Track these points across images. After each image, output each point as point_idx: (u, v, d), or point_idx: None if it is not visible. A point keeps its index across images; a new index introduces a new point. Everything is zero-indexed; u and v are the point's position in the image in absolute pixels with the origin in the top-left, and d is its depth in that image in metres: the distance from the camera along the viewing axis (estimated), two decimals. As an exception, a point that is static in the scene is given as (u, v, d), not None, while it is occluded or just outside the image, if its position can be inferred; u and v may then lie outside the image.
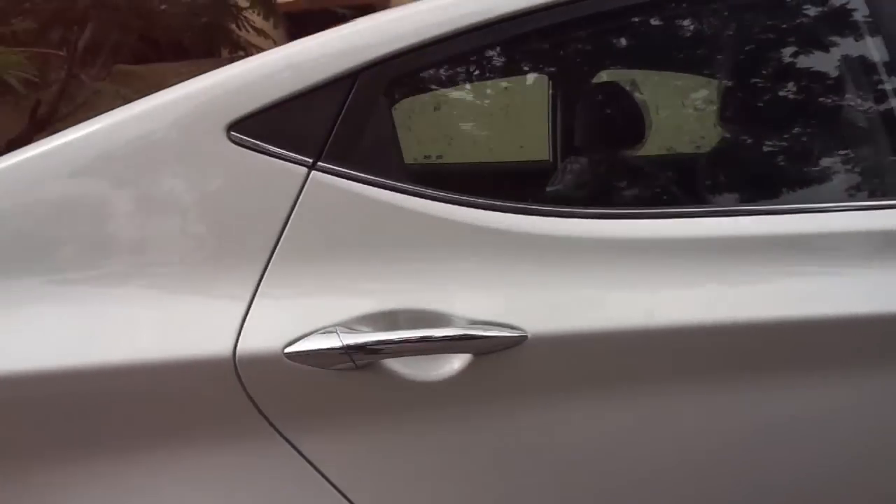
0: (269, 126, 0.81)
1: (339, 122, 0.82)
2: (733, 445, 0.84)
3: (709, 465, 0.84)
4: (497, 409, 0.80)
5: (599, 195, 1.08)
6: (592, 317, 0.79)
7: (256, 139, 0.80)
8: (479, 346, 0.77)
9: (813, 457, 0.85)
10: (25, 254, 0.77)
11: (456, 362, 0.77)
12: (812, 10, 0.99)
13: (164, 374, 0.74)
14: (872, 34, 0.95)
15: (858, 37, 0.98)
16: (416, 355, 0.77)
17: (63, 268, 0.77)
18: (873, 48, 0.95)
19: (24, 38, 3.36)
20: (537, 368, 0.79)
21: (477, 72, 0.97)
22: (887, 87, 0.95)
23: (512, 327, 0.77)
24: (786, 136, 1.05)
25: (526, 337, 0.77)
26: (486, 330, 0.77)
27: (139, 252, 0.78)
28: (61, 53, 3.47)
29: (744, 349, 0.82)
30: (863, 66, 0.98)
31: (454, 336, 0.77)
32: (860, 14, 0.96)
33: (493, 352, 0.77)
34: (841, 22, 0.98)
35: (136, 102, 0.82)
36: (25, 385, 0.74)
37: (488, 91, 0.98)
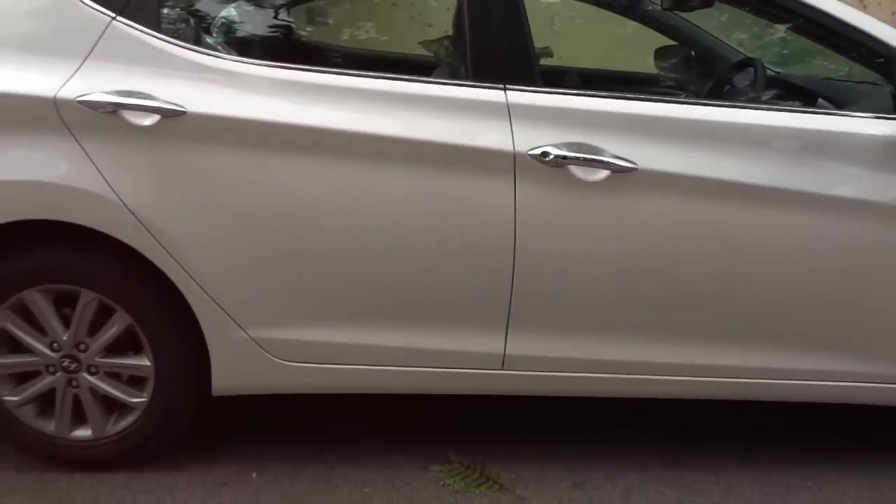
0: (101, -7, 1.65)
1: (132, -3, 1.64)
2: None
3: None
4: (179, 155, 1.60)
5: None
6: (243, 108, 1.58)
7: (92, 0, 1.63)
8: (163, 112, 1.57)
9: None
10: None
11: (151, 118, 1.58)
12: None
13: (19, 100, 1.59)
14: None
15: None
16: (138, 111, 1.57)
17: None
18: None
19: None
20: (192, 134, 1.59)
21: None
22: None
23: (176, 104, 1.57)
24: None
25: (185, 112, 1.57)
26: (147, 115, 1.57)
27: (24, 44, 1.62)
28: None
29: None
30: None
31: (146, 105, 1.57)
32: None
33: (166, 116, 1.57)
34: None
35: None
36: None
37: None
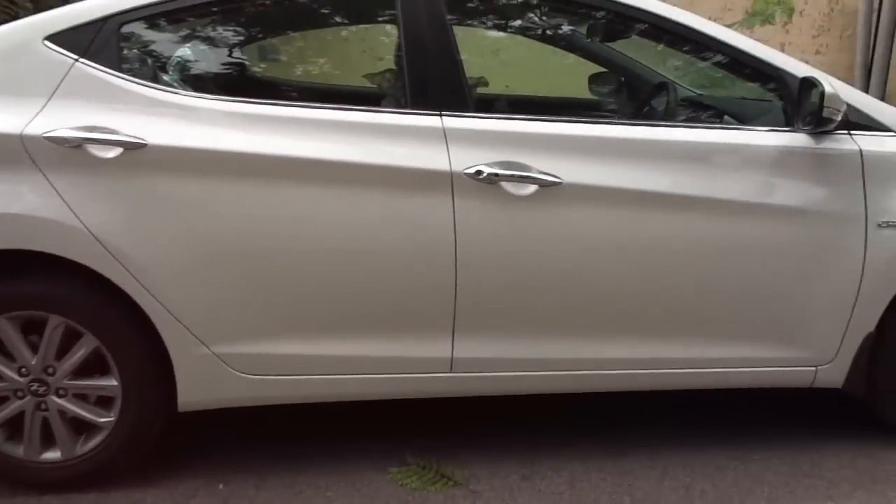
0: (64, 38, 1.78)
1: (93, 41, 1.77)
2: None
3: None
4: (141, 184, 1.73)
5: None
6: (200, 139, 1.73)
7: (55, 44, 1.78)
8: (125, 145, 1.70)
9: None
10: None
11: (114, 151, 1.71)
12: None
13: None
14: None
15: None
16: (102, 145, 1.70)
17: None
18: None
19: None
20: (152, 164, 1.72)
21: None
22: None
23: (137, 137, 1.70)
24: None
25: (145, 144, 1.69)
26: (111, 149, 1.70)
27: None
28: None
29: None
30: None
31: (108, 139, 1.70)
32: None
33: (128, 149, 1.70)
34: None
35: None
36: None
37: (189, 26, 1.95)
